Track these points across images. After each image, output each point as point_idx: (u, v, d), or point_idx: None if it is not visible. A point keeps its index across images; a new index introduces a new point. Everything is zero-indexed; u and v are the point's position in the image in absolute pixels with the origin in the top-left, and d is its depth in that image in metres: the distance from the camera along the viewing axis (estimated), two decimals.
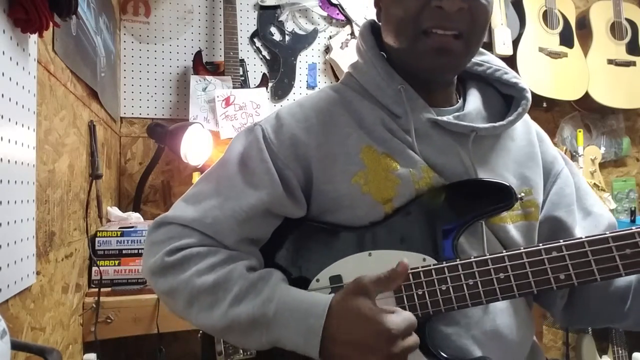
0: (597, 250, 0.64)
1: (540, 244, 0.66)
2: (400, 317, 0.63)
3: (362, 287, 0.64)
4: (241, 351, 0.77)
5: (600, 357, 2.16)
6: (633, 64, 2.32)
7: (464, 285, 0.67)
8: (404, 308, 0.68)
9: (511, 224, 0.75)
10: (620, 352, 2.10)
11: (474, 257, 0.67)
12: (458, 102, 0.81)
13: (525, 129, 0.83)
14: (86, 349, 1.25)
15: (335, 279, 0.72)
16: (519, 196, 0.71)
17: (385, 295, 0.69)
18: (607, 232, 0.65)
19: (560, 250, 0.65)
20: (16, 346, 0.64)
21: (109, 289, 1.31)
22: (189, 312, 0.70)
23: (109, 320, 1.27)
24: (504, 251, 0.67)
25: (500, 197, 0.70)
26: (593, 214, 0.81)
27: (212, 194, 0.75)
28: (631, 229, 0.64)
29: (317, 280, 0.73)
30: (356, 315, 0.63)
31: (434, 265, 0.68)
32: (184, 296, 0.70)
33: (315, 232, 0.76)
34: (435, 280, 0.68)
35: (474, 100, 0.80)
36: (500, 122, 0.76)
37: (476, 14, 0.70)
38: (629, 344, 2.12)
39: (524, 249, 0.66)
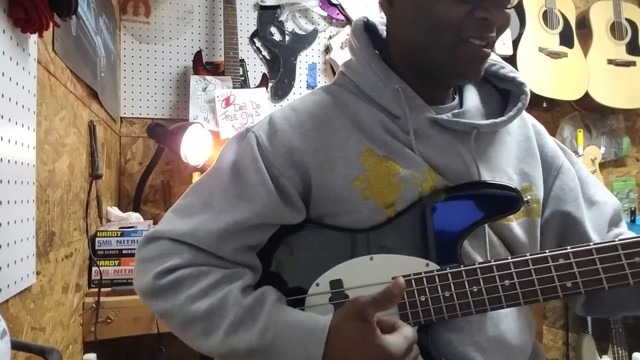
0: (605, 258, 0.62)
1: (547, 251, 0.65)
2: (400, 337, 0.61)
3: (358, 311, 0.61)
4: None
5: (600, 357, 2.16)
6: (633, 64, 2.32)
7: (468, 292, 0.65)
8: (406, 315, 0.67)
9: (515, 221, 0.74)
10: (620, 352, 2.10)
11: (479, 264, 0.66)
12: (454, 99, 0.80)
13: (521, 123, 0.82)
14: (86, 349, 1.25)
15: (336, 284, 0.71)
16: (525, 200, 0.70)
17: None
18: (616, 240, 0.63)
19: (568, 258, 0.64)
20: (16, 346, 0.64)
21: (109, 289, 1.31)
22: (184, 336, 0.70)
23: (109, 320, 1.27)
24: (509, 257, 0.66)
25: (506, 200, 0.69)
26: (597, 203, 0.81)
27: (204, 207, 0.72)
28: None
29: (317, 285, 0.72)
30: (354, 341, 0.61)
31: (437, 270, 0.67)
32: (177, 321, 0.69)
33: (315, 235, 0.74)
34: (439, 287, 0.66)
35: (471, 97, 0.79)
36: (502, 118, 0.75)
37: (505, 26, 0.71)
38: (629, 344, 2.12)
39: (530, 255, 0.65)
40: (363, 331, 0.60)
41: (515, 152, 0.79)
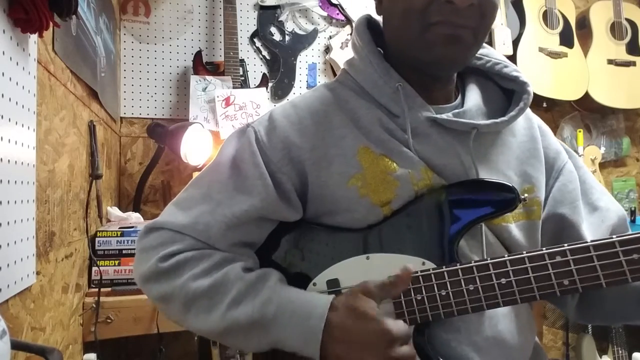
0: (603, 255, 0.61)
1: (544, 248, 0.64)
2: (400, 323, 0.63)
3: (367, 290, 0.65)
4: (237, 356, 0.75)
5: (600, 357, 2.16)
6: (633, 64, 2.32)
7: (465, 291, 0.65)
8: (402, 314, 0.67)
9: (513, 224, 0.73)
10: (620, 352, 2.10)
11: (475, 262, 0.66)
12: (457, 98, 0.79)
13: (527, 124, 0.81)
14: (86, 349, 1.25)
15: (333, 283, 0.71)
16: (522, 197, 0.69)
17: (383, 300, 0.67)
18: (614, 236, 0.62)
19: (565, 255, 0.63)
20: (16, 346, 0.64)
21: (109, 289, 1.31)
22: (186, 316, 0.69)
23: (109, 320, 1.27)
24: (506, 255, 0.65)
25: (503, 198, 0.68)
26: (599, 209, 0.79)
27: (203, 199, 0.73)
28: (639, 233, 0.61)
29: (314, 284, 0.72)
30: (358, 313, 0.62)
31: (433, 269, 0.67)
32: (180, 301, 0.69)
33: (312, 234, 0.74)
34: (435, 285, 0.66)
35: (473, 96, 0.77)
36: (502, 118, 0.74)
37: (485, 9, 0.68)
38: (629, 344, 2.12)
39: (527, 253, 0.64)
40: (366, 306, 0.63)
41: (518, 153, 0.77)
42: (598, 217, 0.78)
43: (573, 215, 0.77)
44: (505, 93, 0.81)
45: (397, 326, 0.62)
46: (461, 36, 0.68)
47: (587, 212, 0.79)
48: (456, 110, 0.74)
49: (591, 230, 0.76)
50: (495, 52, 0.82)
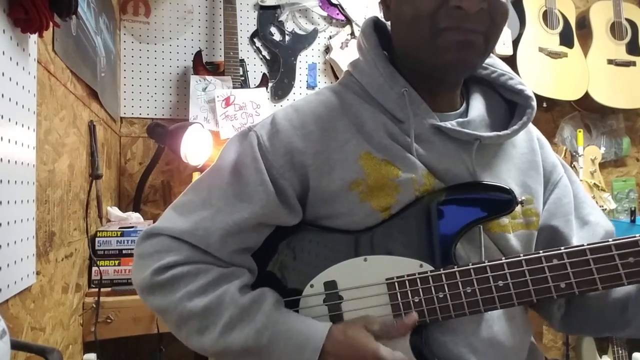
0: (599, 259, 0.62)
1: (541, 251, 0.64)
2: (398, 354, 0.64)
3: (367, 323, 0.66)
4: None
5: (600, 357, 2.16)
6: (633, 64, 2.32)
7: (462, 293, 0.65)
8: (399, 315, 0.67)
9: (512, 233, 0.73)
10: (620, 352, 2.10)
11: (472, 264, 0.66)
12: (461, 106, 0.79)
13: (527, 136, 0.81)
14: (86, 349, 1.25)
15: (330, 285, 0.71)
16: (520, 200, 0.69)
17: (381, 302, 0.68)
18: (610, 240, 0.63)
19: (561, 258, 0.63)
20: (16, 346, 0.64)
21: (109, 289, 1.31)
22: (179, 333, 0.70)
23: (109, 320, 1.27)
24: (503, 258, 0.66)
25: (500, 200, 0.68)
26: (589, 224, 0.80)
27: (203, 205, 0.72)
28: (634, 237, 0.62)
29: (311, 286, 0.71)
30: (353, 344, 0.64)
31: (430, 271, 0.67)
32: (173, 318, 0.69)
33: (310, 236, 0.74)
34: (432, 288, 0.66)
35: (477, 106, 0.77)
36: (505, 132, 0.74)
37: (495, 14, 0.67)
38: (629, 344, 2.12)
39: (524, 256, 0.65)
40: (362, 337, 0.64)
41: (519, 164, 0.77)
42: (588, 231, 0.79)
43: (565, 229, 0.78)
44: (508, 104, 0.81)
45: (391, 354, 0.63)
46: (473, 41, 0.67)
47: (578, 226, 0.80)
48: (460, 120, 0.74)
49: (581, 243, 0.77)
50: (501, 62, 0.82)
